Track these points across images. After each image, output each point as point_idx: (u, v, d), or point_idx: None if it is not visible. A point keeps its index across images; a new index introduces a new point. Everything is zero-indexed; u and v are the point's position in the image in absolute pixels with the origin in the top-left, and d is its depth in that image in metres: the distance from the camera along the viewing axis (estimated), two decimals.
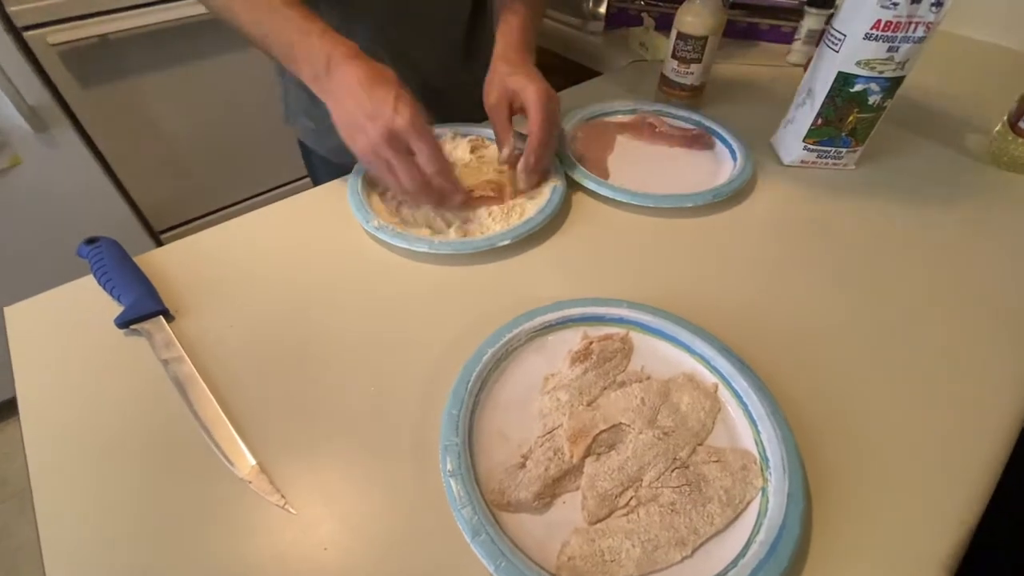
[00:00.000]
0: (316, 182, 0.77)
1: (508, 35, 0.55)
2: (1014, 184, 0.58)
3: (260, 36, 0.46)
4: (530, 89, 0.49)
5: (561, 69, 0.93)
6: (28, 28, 0.99)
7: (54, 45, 1.01)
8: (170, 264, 0.46)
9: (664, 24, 0.83)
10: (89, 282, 0.44)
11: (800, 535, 0.29)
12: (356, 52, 0.44)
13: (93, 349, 0.40)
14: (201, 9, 1.16)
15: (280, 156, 1.47)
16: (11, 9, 0.96)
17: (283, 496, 0.32)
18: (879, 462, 0.34)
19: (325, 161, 0.72)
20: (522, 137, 0.52)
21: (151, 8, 1.09)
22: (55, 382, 0.38)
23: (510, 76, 0.51)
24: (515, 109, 0.52)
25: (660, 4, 0.85)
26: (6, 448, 1.25)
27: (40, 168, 1.05)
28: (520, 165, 0.51)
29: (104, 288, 0.43)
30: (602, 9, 0.91)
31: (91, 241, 0.45)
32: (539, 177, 0.53)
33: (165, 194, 1.33)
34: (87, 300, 0.43)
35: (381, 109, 0.42)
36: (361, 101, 0.42)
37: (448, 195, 0.47)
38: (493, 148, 0.58)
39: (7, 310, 0.42)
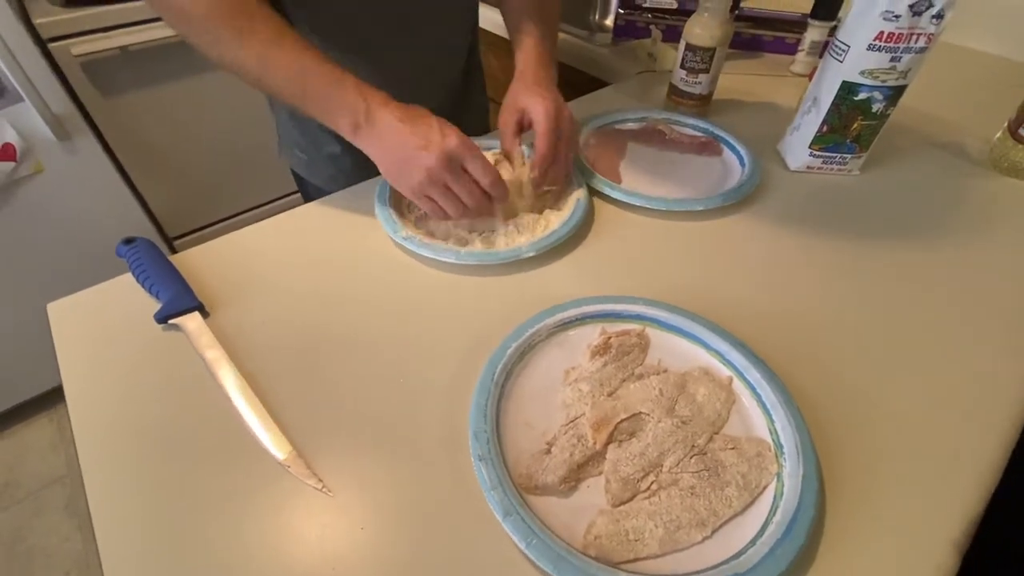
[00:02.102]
0: None
1: (524, 56, 0.56)
2: (1014, 188, 0.60)
3: (298, 95, 0.46)
4: (538, 105, 0.50)
5: (571, 80, 0.96)
6: (53, 40, 1.02)
7: (77, 56, 1.04)
8: (203, 264, 0.48)
9: (671, 35, 0.86)
10: (126, 280, 0.46)
11: (815, 516, 0.30)
12: (389, 99, 0.46)
13: (134, 343, 0.42)
14: None
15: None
16: (37, 22, 1.00)
17: (320, 479, 0.33)
18: (890, 447, 0.35)
19: (319, 191, 0.72)
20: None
21: None
22: (99, 374, 0.40)
23: (522, 94, 0.53)
24: (526, 126, 0.54)
25: (667, 16, 0.88)
26: (17, 452, 1.27)
27: (61, 175, 1.08)
28: (526, 179, 0.52)
29: (142, 285, 0.45)
30: (608, 22, 0.94)
31: (128, 241, 0.47)
32: (553, 190, 0.54)
33: (180, 201, 1.36)
34: (125, 297, 0.45)
35: (430, 137, 0.44)
36: (407, 136, 0.44)
37: (500, 201, 0.49)
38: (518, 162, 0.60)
39: (50, 307, 0.44)
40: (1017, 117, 0.60)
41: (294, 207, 0.55)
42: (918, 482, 0.34)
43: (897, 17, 0.48)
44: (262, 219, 0.53)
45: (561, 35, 1.00)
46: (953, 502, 0.33)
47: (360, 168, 0.50)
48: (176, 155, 1.30)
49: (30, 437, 1.28)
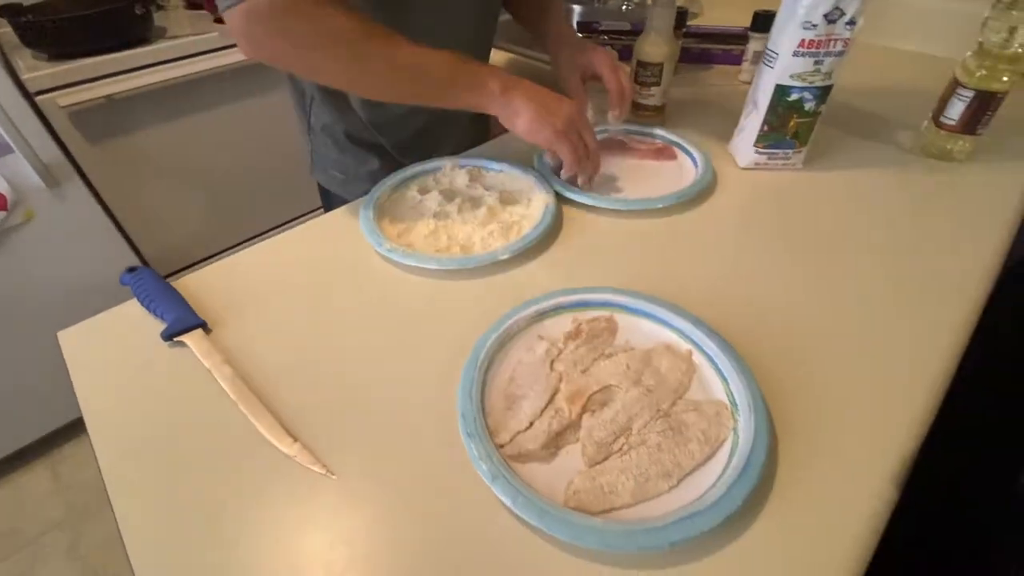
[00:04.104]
0: None
1: (558, 28, 0.72)
2: (940, 170, 0.66)
3: (448, 79, 0.54)
4: (598, 57, 0.67)
5: None
6: (40, 93, 1.06)
7: (64, 107, 1.08)
8: (202, 287, 0.52)
9: (627, 55, 0.92)
10: (131, 306, 0.50)
11: (766, 459, 0.34)
12: (512, 75, 0.57)
13: (144, 361, 0.45)
14: (199, 66, 1.24)
15: (273, 200, 1.55)
16: (24, 77, 1.04)
17: (325, 466, 0.37)
18: (832, 400, 0.40)
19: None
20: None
21: (152, 69, 1.18)
22: (113, 392, 0.43)
23: (578, 54, 0.69)
24: (586, 77, 0.69)
25: (622, 37, 0.95)
26: (16, 499, 1.26)
27: (51, 221, 1.11)
28: (612, 115, 0.69)
29: (147, 308, 0.48)
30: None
31: (131, 270, 0.51)
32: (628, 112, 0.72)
33: (166, 240, 1.39)
34: (131, 321, 0.48)
35: (562, 106, 0.56)
36: (545, 103, 0.56)
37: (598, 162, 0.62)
38: (490, 176, 0.66)
39: (60, 335, 0.47)
40: (938, 107, 0.67)
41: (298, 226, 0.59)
42: (858, 427, 0.38)
43: (815, 26, 0.54)
44: (275, 236, 0.57)
45: (524, 57, 1.07)
46: (890, 443, 0.37)
47: None
48: (162, 196, 1.34)
49: (28, 484, 1.28)
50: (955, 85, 0.64)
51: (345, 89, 0.64)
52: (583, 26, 0.99)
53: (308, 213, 1.65)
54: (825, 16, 0.54)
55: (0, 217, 1.03)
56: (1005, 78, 0.61)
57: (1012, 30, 0.58)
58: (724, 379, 0.40)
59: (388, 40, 0.51)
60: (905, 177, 0.65)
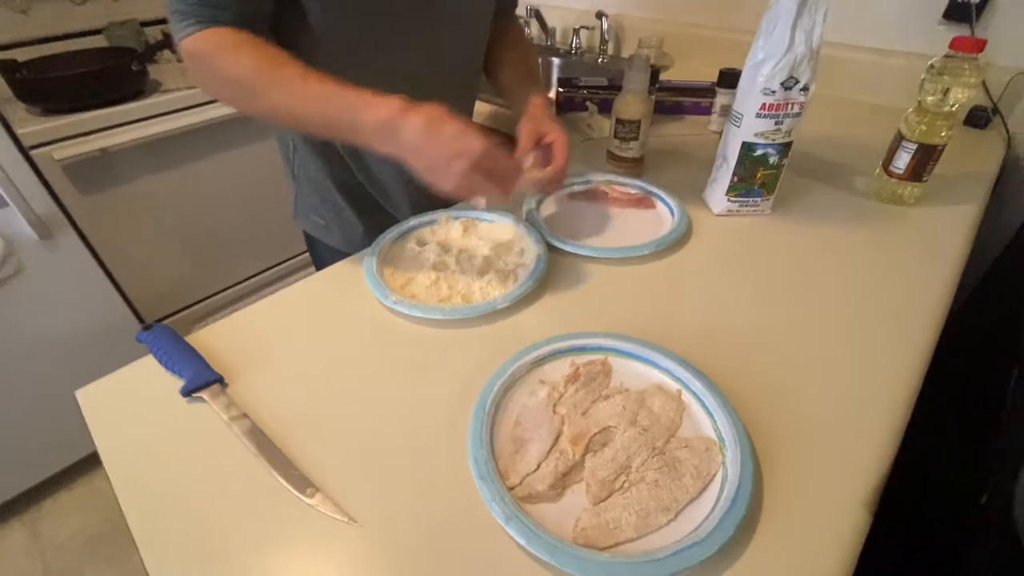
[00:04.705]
0: (321, 268, 0.87)
1: (535, 99, 0.72)
2: (892, 213, 0.73)
3: (326, 124, 0.52)
4: (558, 132, 0.66)
5: None
6: (35, 147, 1.08)
7: (58, 160, 1.10)
8: (215, 341, 0.54)
9: (606, 108, 0.99)
10: (147, 362, 0.52)
11: (753, 490, 0.38)
12: (403, 105, 0.50)
13: (164, 417, 0.47)
14: (193, 119, 1.28)
15: (262, 245, 1.57)
16: (20, 131, 1.06)
17: (346, 513, 0.39)
18: (808, 432, 0.44)
19: (332, 250, 0.83)
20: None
21: (147, 121, 1.21)
22: (137, 449, 0.44)
23: (544, 121, 0.67)
24: (541, 143, 0.67)
25: (600, 91, 1.02)
26: None
27: (42, 273, 1.11)
28: (536, 186, 0.66)
29: (164, 365, 0.50)
30: (551, 96, 1.08)
31: (147, 328, 0.53)
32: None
33: (157, 287, 1.40)
34: (148, 377, 0.50)
35: (456, 146, 0.50)
36: (437, 146, 0.50)
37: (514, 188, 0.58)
38: (483, 226, 0.70)
39: (79, 393, 0.49)
40: (887, 157, 0.74)
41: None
42: (832, 456, 0.42)
43: (773, 92, 0.61)
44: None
45: (509, 111, 1.13)
46: (861, 470, 0.41)
47: (371, 230, 0.64)
48: (151, 244, 1.35)
49: (2, 544, 1.23)
50: (900, 138, 0.72)
51: (272, 122, 0.60)
52: (563, 81, 1.06)
53: (295, 256, 1.68)
54: (782, 84, 0.60)
55: None
56: (943, 133, 0.68)
57: (945, 91, 0.66)
58: (711, 415, 0.44)
59: (292, 80, 0.51)
60: (863, 220, 0.72)
